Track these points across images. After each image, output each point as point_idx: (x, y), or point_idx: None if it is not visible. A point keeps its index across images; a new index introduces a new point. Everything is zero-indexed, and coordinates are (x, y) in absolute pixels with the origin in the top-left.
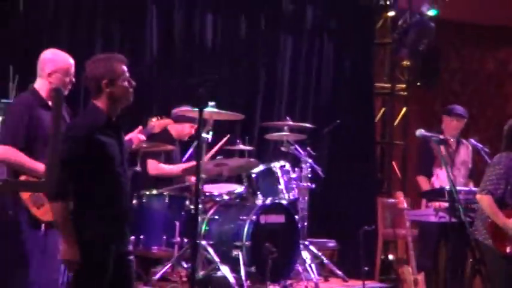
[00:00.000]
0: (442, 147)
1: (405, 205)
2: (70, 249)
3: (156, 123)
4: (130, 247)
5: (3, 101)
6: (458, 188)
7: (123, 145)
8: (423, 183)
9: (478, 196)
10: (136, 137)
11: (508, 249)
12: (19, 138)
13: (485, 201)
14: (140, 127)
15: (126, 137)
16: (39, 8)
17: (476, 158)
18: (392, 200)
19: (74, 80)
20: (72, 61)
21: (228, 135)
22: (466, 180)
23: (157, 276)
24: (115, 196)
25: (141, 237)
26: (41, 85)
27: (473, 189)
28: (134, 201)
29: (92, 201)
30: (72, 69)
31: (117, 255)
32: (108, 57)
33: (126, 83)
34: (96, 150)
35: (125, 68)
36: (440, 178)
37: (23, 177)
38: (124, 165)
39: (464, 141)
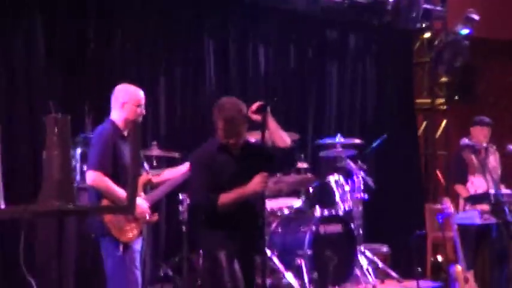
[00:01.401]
0: (473, 156)
1: (452, 209)
2: None
3: None
4: None
5: (81, 135)
6: (501, 191)
7: None
8: (461, 190)
9: None
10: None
11: None
12: (107, 165)
13: None
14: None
15: (183, 166)
16: (106, 49)
17: None
18: (439, 206)
19: (144, 111)
20: (142, 94)
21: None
22: (499, 185)
23: None
24: None
25: None
26: (116, 116)
27: None
28: None
29: None
30: (143, 101)
31: None
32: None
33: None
34: None
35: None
36: (475, 184)
37: (105, 202)
38: None
39: (491, 148)
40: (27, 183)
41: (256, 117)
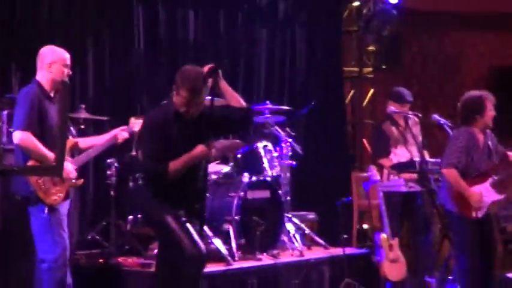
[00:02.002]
0: (394, 128)
1: (378, 177)
2: None
3: (135, 122)
4: None
5: (7, 96)
6: (428, 159)
7: None
8: (385, 161)
9: (443, 170)
10: (120, 133)
11: (473, 214)
12: (34, 125)
13: (449, 174)
14: (123, 126)
15: (111, 133)
16: (34, 10)
17: (438, 133)
18: (365, 174)
19: (70, 72)
20: (68, 55)
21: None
22: (422, 153)
23: (155, 251)
24: None
25: (139, 216)
26: (42, 77)
27: (437, 160)
28: (130, 184)
29: None
30: (69, 62)
31: None
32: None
33: None
34: None
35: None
36: (398, 155)
37: (31, 162)
38: None
39: (410, 116)
40: None
41: (208, 81)
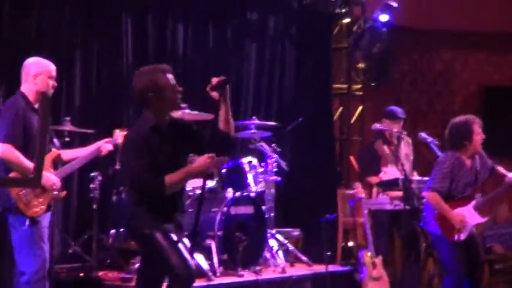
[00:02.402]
0: (385, 146)
1: (363, 195)
2: None
3: (119, 134)
4: None
5: None
6: (411, 178)
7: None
8: (373, 179)
9: (425, 193)
10: (104, 145)
11: (455, 237)
12: (16, 137)
13: (431, 198)
14: (107, 138)
15: (94, 145)
16: (22, 18)
17: (426, 151)
18: (351, 191)
19: (56, 84)
20: (54, 66)
21: None
22: (411, 172)
23: (136, 266)
24: None
25: (121, 230)
26: (27, 89)
27: (424, 178)
28: (114, 197)
29: None
30: (55, 73)
31: None
32: (150, 70)
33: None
34: None
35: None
36: (388, 173)
37: (12, 174)
38: None
39: (403, 136)
40: None
41: (215, 94)
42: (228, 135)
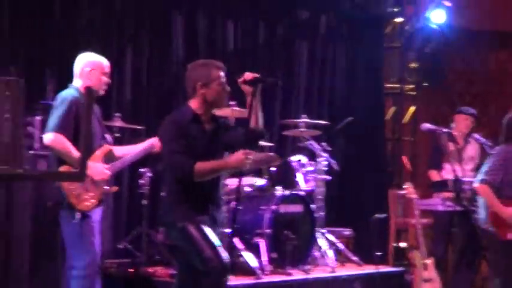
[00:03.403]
0: (451, 143)
1: (414, 195)
2: None
3: None
4: None
5: (41, 102)
6: (465, 179)
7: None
8: (434, 175)
9: (475, 185)
10: (156, 142)
11: (508, 236)
12: (68, 128)
13: (482, 190)
14: None
15: (147, 142)
16: (73, 15)
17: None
18: (403, 192)
19: (109, 80)
20: (108, 63)
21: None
22: (474, 174)
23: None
24: None
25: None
26: (80, 84)
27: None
28: (162, 193)
29: None
30: (108, 70)
31: None
32: (205, 63)
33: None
34: None
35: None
36: (448, 170)
37: (63, 168)
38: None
39: (471, 139)
40: None
41: (247, 89)
42: (259, 133)
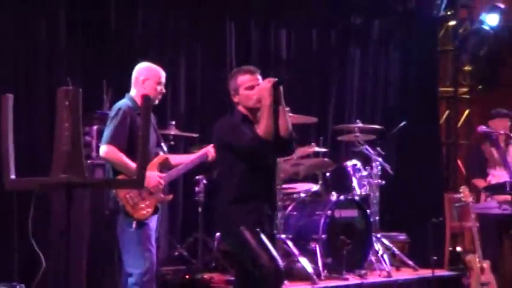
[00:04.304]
0: (493, 149)
1: (470, 199)
2: None
3: None
4: None
5: (98, 112)
6: None
7: None
8: (480, 183)
9: None
10: (211, 150)
11: None
12: (122, 139)
13: None
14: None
15: (202, 150)
16: (129, 25)
17: None
18: (458, 195)
19: (164, 90)
20: (164, 73)
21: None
22: None
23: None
24: None
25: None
26: (135, 93)
27: None
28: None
29: None
30: (164, 80)
31: None
32: (233, 72)
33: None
34: None
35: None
36: (497, 176)
37: (120, 177)
38: None
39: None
40: (46, 156)
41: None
42: (288, 139)
